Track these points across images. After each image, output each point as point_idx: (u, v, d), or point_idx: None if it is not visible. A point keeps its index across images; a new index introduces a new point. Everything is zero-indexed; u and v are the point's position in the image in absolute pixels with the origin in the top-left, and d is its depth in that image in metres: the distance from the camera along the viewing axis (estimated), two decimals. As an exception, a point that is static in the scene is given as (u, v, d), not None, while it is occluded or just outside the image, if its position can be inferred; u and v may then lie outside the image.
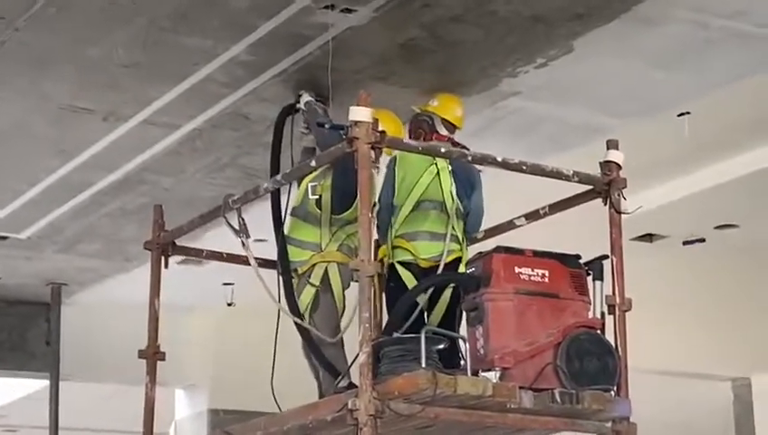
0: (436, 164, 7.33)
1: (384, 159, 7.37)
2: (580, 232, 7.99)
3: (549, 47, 7.54)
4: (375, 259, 6.72)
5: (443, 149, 6.76)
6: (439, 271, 7.14)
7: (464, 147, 7.42)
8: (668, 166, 9.86)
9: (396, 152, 7.35)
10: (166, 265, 7.99)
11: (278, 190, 7.30)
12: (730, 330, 13.58)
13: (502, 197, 7.82)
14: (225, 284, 12.63)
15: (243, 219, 7.28)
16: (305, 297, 7.07)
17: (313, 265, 7.08)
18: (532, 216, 7.53)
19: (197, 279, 12.35)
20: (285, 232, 7.26)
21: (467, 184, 7.48)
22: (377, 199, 7.12)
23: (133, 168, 9.15)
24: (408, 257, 7.19)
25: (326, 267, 7.06)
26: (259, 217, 7.42)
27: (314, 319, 7.04)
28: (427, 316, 7.07)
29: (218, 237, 8.37)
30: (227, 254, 8.26)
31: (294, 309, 7.07)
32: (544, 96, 8.21)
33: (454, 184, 7.36)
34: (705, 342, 13.65)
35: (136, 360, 7.91)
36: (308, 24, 6.99)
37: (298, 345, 7.34)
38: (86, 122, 8.30)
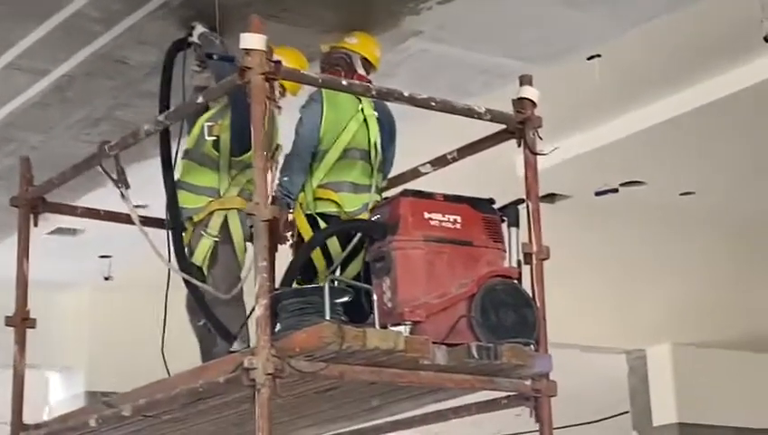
0: (362, 110, 6.69)
1: (290, 101, 6.68)
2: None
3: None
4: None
5: (344, 82, 6.11)
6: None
7: None
8: (572, 117, 9.33)
9: (322, 90, 6.61)
10: (35, 223, 7.27)
11: (167, 131, 6.60)
12: (624, 302, 13.24)
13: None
14: (101, 256, 11.93)
15: (122, 168, 6.60)
16: (201, 250, 6.43)
17: (211, 212, 6.43)
18: (440, 162, 6.97)
19: (72, 252, 11.59)
20: (177, 176, 6.59)
21: (390, 134, 6.86)
22: (281, 141, 6.54)
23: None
24: (331, 209, 6.51)
25: (225, 215, 6.43)
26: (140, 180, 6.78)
27: (212, 274, 6.40)
28: (341, 273, 6.37)
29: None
30: (105, 211, 7.55)
31: (184, 265, 6.38)
32: (447, 37, 7.63)
33: (379, 134, 6.72)
34: (601, 314, 13.30)
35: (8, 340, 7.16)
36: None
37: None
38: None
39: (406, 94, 6.19)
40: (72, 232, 11.19)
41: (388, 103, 6.75)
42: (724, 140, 9.60)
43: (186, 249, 6.46)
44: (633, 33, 7.70)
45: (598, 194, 10.43)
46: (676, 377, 14.33)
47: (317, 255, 6.41)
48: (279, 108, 6.48)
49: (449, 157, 6.92)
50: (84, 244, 11.37)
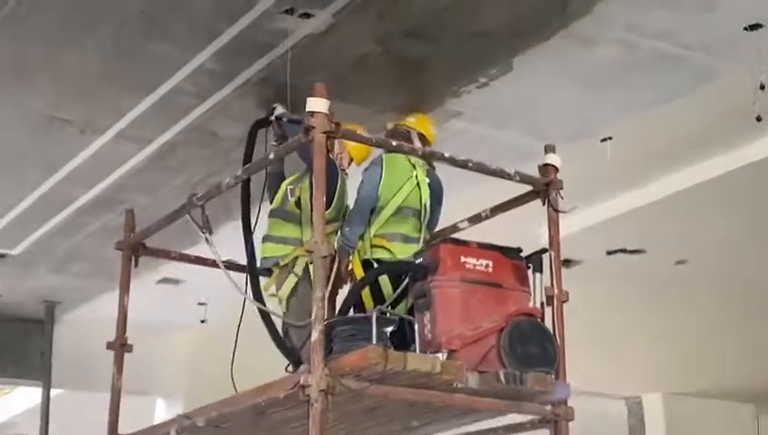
0: (416, 175, 6.20)
1: (354, 168, 6.25)
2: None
3: (490, 65, 6.41)
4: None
5: (394, 143, 5.54)
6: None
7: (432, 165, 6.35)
8: (582, 192, 8.66)
9: (380, 153, 6.20)
10: (136, 265, 6.72)
11: (248, 185, 6.07)
12: (623, 354, 12.46)
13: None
14: (199, 303, 11.37)
15: (206, 216, 6.06)
16: (287, 286, 5.89)
17: (296, 257, 5.90)
18: (475, 219, 6.36)
19: (175, 299, 11.04)
20: (266, 232, 6.12)
21: (438, 198, 6.35)
22: (355, 199, 6.08)
23: (110, 184, 7.84)
24: (385, 256, 5.97)
25: (307, 260, 5.84)
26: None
27: (290, 302, 5.87)
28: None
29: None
30: (196, 256, 7.00)
31: (258, 296, 5.88)
32: (482, 117, 7.06)
33: (429, 197, 6.21)
34: (601, 363, 12.49)
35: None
36: (269, 31, 5.81)
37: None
38: (65, 134, 7.02)
39: (446, 155, 5.61)
40: (175, 282, 10.63)
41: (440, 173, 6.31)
42: (718, 214, 8.86)
43: (273, 288, 5.96)
44: (637, 118, 7.10)
45: (609, 253, 9.68)
46: (668, 422, 13.52)
47: (366, 293, 5.83)
48: (346, 174, 6.01)
49: (483, 215, 6.34)
50: (185, 292, 10.80)
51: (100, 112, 6.71)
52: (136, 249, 6.65)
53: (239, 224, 6.35)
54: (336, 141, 6.10)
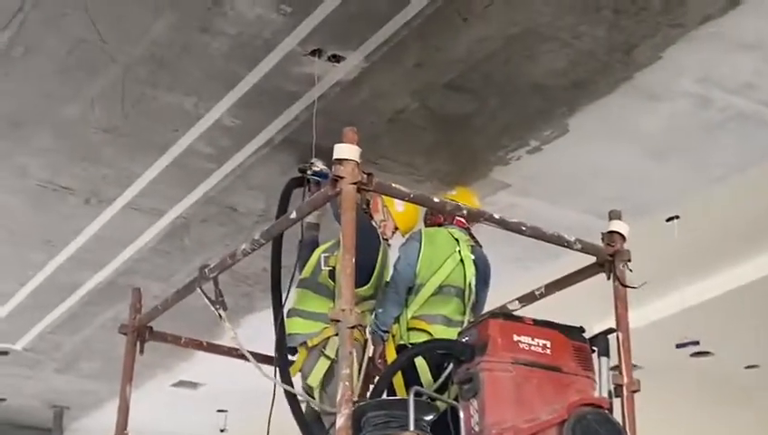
0: (459, 251, 5.49)
1: (397, 239, 5.52)
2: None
3: (544, 125, 5.73)
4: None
5: (436, 200, 4.79)
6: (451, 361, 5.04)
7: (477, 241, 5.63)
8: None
9: (422, 228, 5.57)
10: (141, 351, 5.96)
11: (278, 250, 5.35)
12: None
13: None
14: (218, 410, 10.58)
15: (220, 291, 5.32)
16: (318, 370, 5.09)
17: (327, 337, 5.10)
18: (527, 298, 5.58)
19: (192, 405, 10.24)
20: (293, 304, 5.33)
21: (484, 278, 5.61)
22: (391, 276, 5.35)
23: (120, 266, 7.16)
24: (424, 340, 5.19)
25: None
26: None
27: (327, 392, 5.05)
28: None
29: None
30: (207, 343, 6.25)
31: (288, 380, 5.12)
32: (534, 190, 6.35)
33: (474, 275, 5.48)
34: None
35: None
36: (293, 77, 5.16)
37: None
38: (67, 205, 6.38)
39: (497, 217, 4.87)
40: (193, 386, 9.86)
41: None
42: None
43: (301, 372, 5.19)
44: (706, 198, 6.35)
45: (679, 346, 8.76)
46: None
47: (401, 383, 5.03)
48: (389, 244, 5.29)
49: (537, 293, 5.54)
50: (203, 397, 10.02)
51: (106, 178, 6.06)
52: (142, 333, 5.91)
53: (263, 315, 5.62)
54: (380, 207, 5.42)
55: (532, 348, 4.70)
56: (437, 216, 5.72)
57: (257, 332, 5.99)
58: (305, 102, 5.33)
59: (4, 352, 8.87)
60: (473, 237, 5.74)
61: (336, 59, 5.00)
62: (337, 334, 4.93)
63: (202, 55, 4.99)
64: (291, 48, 4.90)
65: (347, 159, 4.45)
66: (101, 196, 6.26)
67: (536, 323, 4.79)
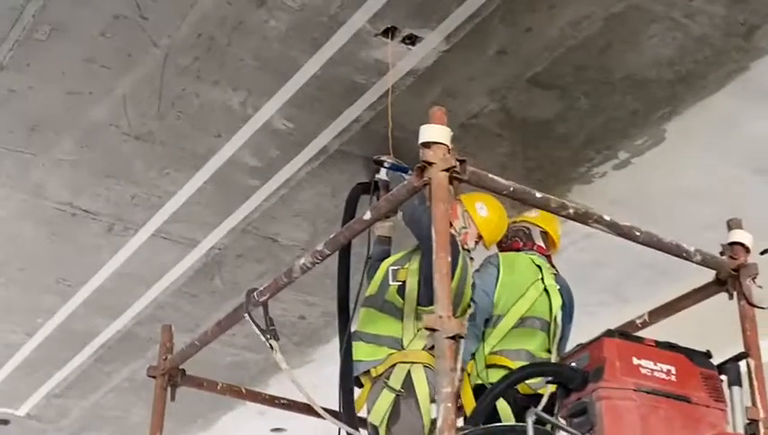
0: (543, 279, 4.80)
1: (480, 253, 4.77)
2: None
3: (638, 132, 5.05)
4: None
5: (538, 195, 4.07)
6: (542, 404, 4.25)
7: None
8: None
9: (497, 252, 4.89)
10: (172, 398, 5.17)
11: (347, 257, 4.61)
12: None
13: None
14: (273, 429, 9.51)
15: (270, 318, 4.57)
16: (381, 405, 4.31)
17: (393, 365, 4.34)
18: (627, 327, 4.82)
19: (243, 423, 9.20)
20: (357, 326, 4.57)
21: (569, 311, 4.91)
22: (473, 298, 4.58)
23: (143, 310, 6.38)
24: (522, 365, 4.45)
25: (409, 369, 4.31)
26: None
27: (393, 432, 4.26)
28: None
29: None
30: (247, 390, 5.48)
31: (352, 422, 4.37)
32: (619, 216, 5.53)
33: (561, 306, 4.82)
34: None
35: None
36: (360, 65, 4.48)
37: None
38: (88, 233, 5.62)
39: (607, 219, 4.15)
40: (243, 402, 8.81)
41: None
42: None
43: (366, 407, 4.42)
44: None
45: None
46: None
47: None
48: (471, 258, 4.61)
49: (638, 322, 4.81)
50: (255, 416, 8.99)
51: (135, 198, 5.34)
52: (174, 376, 5.13)
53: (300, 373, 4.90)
54: (460, 212, 4.68)
55: (656, 374, 3.98)
56: (515, 240, 5.04)
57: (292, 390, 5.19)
58: (370, 98, 4.65)
59: (5, 421, 8.04)
60: (553, 266, 5.04)
61: (411, 40, 4.34)
62: (403, 362, 4.29)
63: (256, 37, 4.33)
64: (360, 25, 4.24)
65: (437, 143, 3.76)
66: (127, 221, 5.53)
67: (658, 344, 4.07)
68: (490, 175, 3.91)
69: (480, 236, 4.71)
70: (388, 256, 4.67)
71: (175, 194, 5.30)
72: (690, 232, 5.40)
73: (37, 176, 5.17)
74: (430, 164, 3.73)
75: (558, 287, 4.90)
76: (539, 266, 4.89)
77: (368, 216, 4.07)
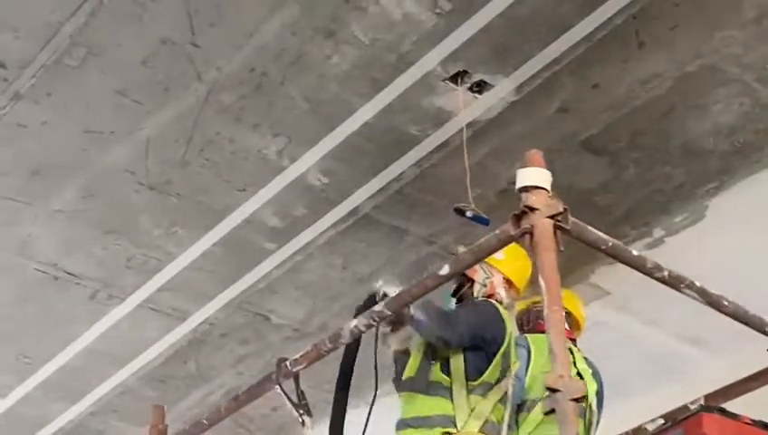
0: (575, 363, 4.41)
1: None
2: None
3: (679, 207, 4.83)
4: None
5: (635, 253, 3.74)
6: None
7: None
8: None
9: (527, 336, 4.51)
10: (171, 490, 4.57)
11: (357, 345, 4.16)
12: None
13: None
14: None
15: (302, 391, 4.09)
16: None
17: None
18: (670, 417, 4.49)
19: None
20: (400, 414, 4.07)
21: (601, 396, 4.56)
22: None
23: (102, 398, 5.76)
24: None
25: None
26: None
27: None
28: None
29: None
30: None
31: None
32: (637, 305, 5.37)
33: (596, 394, 4.47)
34: None
35: None
36: (420, 113, 4.15)
37: None
38: (66, 300, 5.05)
39: (698, 284, 3.86)
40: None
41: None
42: None
43: None
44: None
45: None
46: None
47: None
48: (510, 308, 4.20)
49: (692, 407, 4.47)
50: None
51: (130, 260, 4.82)
52: (166, 469, 4.54)
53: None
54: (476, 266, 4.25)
55: (758, 457, 3.68)
56: (539, 322, 4.69)
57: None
58: (418, 154, 4.32)
59: None
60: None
61: (479, 88, 4.04)
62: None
63: (313, 75, 3.97)
64: (430, 68, 3.93)
65: (537, 187, 3.44)
66: (114, 288, 4.99)
67: (754, 423, 3.78)
68: (589, 227, 3.60)
69: (508, 282, 4.30)
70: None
71: (177, 257, 4.81)
72: (712, 327, 5.22)
73: (26, 230, 4.61)
74: (532, 210, 3.40)
75: (590, 372, 4.60)
76: (570, 349, 4.57)
77: (445, 270, 3.67)
